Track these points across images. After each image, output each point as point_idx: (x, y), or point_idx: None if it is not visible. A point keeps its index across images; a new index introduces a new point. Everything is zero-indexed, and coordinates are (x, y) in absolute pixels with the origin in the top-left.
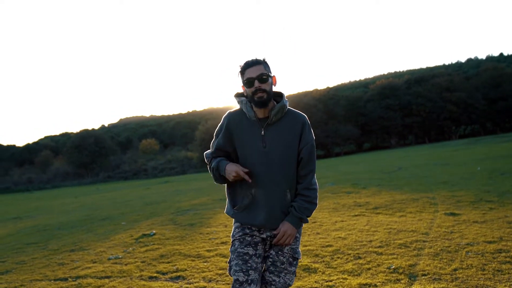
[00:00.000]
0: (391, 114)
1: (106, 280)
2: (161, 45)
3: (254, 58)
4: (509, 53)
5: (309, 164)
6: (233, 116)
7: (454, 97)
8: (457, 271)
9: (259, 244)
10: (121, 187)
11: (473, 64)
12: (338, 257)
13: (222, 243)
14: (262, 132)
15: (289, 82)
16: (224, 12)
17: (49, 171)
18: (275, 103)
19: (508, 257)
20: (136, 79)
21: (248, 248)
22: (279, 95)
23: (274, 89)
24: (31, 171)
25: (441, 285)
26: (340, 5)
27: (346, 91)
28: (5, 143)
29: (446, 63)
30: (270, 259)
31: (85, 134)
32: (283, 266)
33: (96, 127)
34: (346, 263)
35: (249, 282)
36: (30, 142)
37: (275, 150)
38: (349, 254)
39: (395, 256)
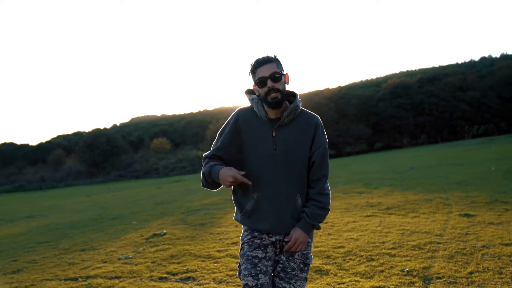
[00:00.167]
0: (403, 113)
1: (116, 281)
2: (172, 45)
3: (266, 55)
4: None
5: (321, 168)
6: (244, 114)
7: (467, 96)
8: (473, 275)
9: (269, 246)
10: (133, 186)
11: (487, 62)
12: (350, 259)
13: (233, 243)
14: (273, 134)
15: (299, 81)
16: (233, 10)
17: (62, 170)
18: (287, 103)
19: None
20: (147, 78)
21: (257, 251)
22: (292, 95)
23: (287, 87)
24: (44, 169)
25: None
26: (352, 3)
27: (357, 90)
28: (18, 142)
29: (459, 62)
30: (281, 265)
31: (97, 133)
32: (293, 273)
33: (108, 126)
34: (358, 265)
35: (258, 286)
36: (43, 141)
37: (286, 153)
38: (362, 255)
39: (408, 258)
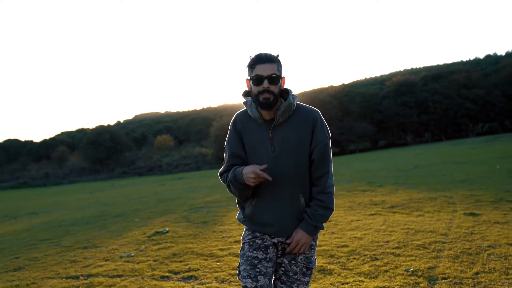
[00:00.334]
0: (407, 111)
1: (118, 279)
2: (176, 43)
3: (268, 52)
4: None
5: (323, 166)
6: (241, 117)
7: (472, 94)
8: (479, 275)
9: (270, 247)
10: (136, 183)
11: (491, 60)
12: (354, 258)
13: (235, 242)
14: (270, 135)
15: (302, 79)
16: (234, 10)
17: (66, 167)
18: (282, 100)
19: None
20: (151, 76)
21: (258, 252)
22: (285, 91)
23: None
24: (48, 166)
25: None
26: (357, 0)
27: (361, 87)
28: (23, 139)
29: (464, 60)
30: (282, 268)
31: (101, 130)
32: (295, 277)
33: (112, 123)
34: (362, 264)
35: None
36: (47, 137)
37: (284, 154)
38: (366, 255)
39: (413, 257)
